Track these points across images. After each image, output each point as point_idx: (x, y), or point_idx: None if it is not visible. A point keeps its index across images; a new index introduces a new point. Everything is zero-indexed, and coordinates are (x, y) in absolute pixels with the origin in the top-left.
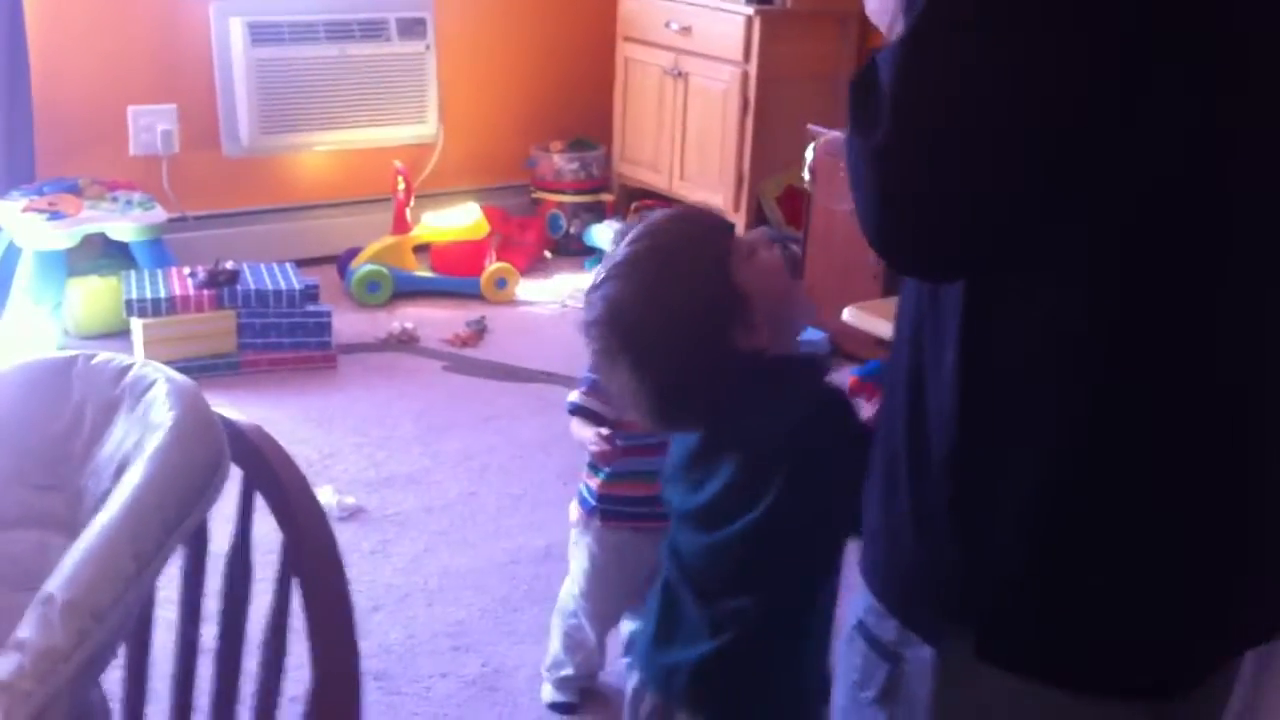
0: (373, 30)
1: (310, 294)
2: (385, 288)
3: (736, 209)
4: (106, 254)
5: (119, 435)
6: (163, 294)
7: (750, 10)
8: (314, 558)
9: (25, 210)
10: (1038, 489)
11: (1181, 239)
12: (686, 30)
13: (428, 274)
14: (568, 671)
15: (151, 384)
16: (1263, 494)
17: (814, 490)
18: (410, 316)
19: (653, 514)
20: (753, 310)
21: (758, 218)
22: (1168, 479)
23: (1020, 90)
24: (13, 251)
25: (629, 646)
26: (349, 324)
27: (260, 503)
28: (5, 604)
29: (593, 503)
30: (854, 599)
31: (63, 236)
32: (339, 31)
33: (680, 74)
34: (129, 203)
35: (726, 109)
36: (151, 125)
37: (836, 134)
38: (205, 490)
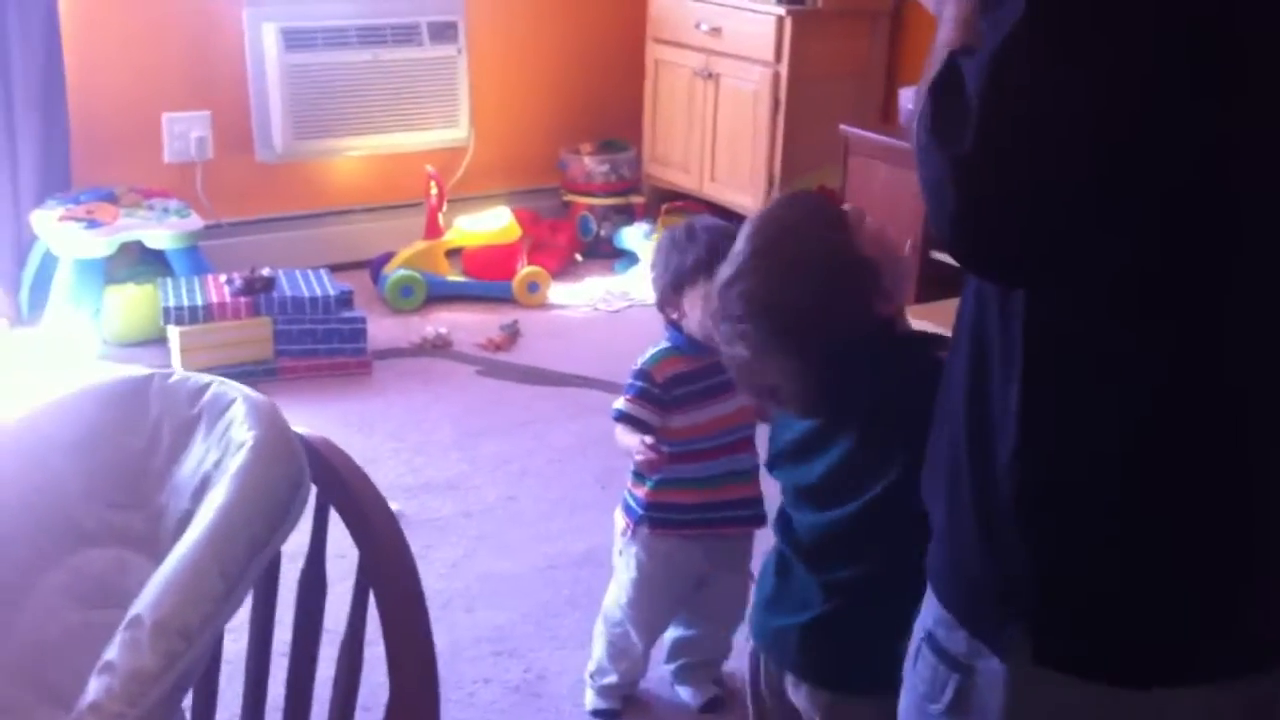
0: (405, 35)
1: (345, 300)
2: (418, 292)
3: None
4: (143, 261)
5: (198, 453)
6: (199, 302)
7: (781, 10)
8: (390, 569)
9: (62, 219)
10: (1097, 491)
11: (1194, 242)
12: (716, 31)
13: (460, 278)
14: (612, 679)
15: (231, 402)
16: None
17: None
18: (443, 321)
19: (701, 520)
20: (882, 276)
21: None
22: (1203, 480)
23: (1108, 106)
24: (50, 260)
25: (673, 653)
26: (383, 329)
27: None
28: (83, 621)
29: (640, 511)
30: (922, 612)
31: (100, 245)
32: (371, 36)
33: (710, 75)
34: (165, 210)
35: (757, 109)
36: (185, 132)
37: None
38: (289, 508)
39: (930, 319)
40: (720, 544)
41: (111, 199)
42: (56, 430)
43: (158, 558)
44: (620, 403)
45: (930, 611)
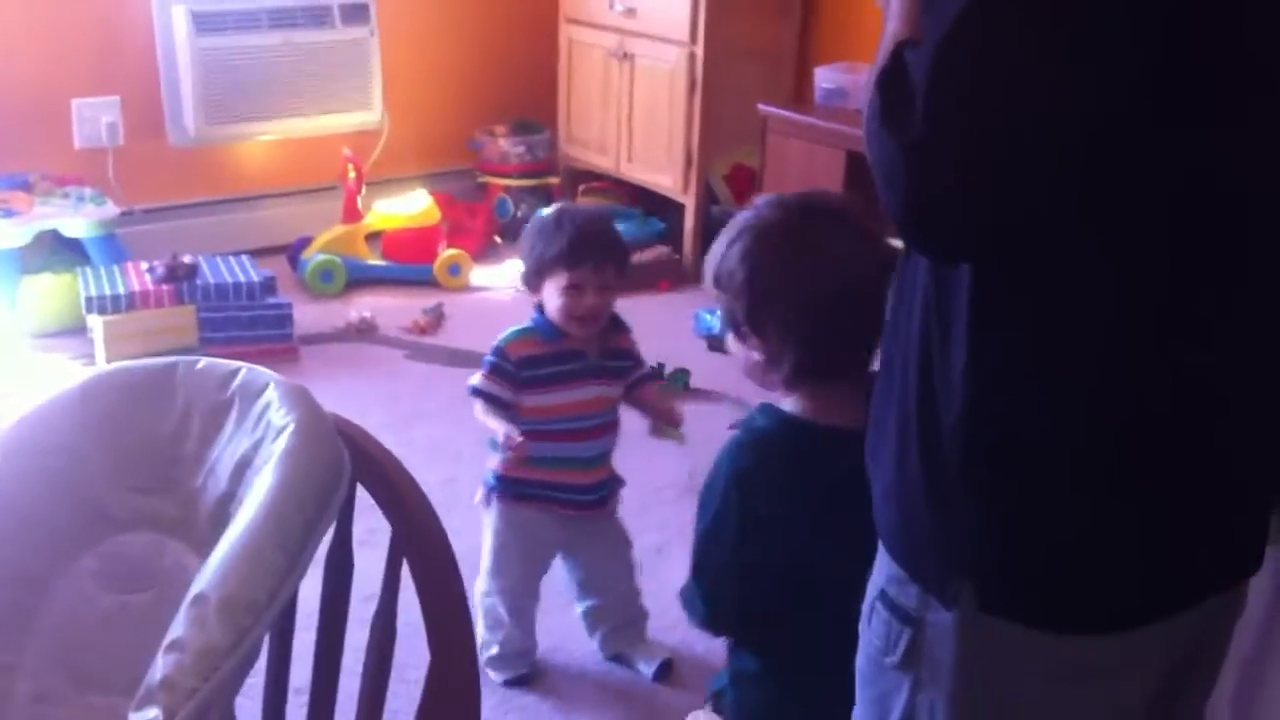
0: (316, 17)
1: (269, 286)
2: (339, 277)
3: (685, 189)
4: (57, 250)
5: (234, 437)
6: (122, 290)
7: None
8: (425, 539)
9: None
10: (1039, 448)
11: (1142, 218)
12: (631, 12)
13: (380, 262)
14: (494, 650)
15: (264, 386)
16: (1235, 455)
17: None
18: (367, 305)
19: (544, 496)
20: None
21: (707, 196)
22: (1156, 444)
23: (1051, 93)
24: None
25: (590, 626)
26: (305, 314)
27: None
28: (118, 605)
29: (492, 482)
30: (874, 571)
31: (16, 235)
32: (283, 19)
33: (626, 55)
34: (80, 198)
35: (673, 89)
36: (96, 117)
37: None
38: (336, 488)
39: None
40: (570, 522)
41: (25, 187)
42: (76, 418)
43: (194, 540)
44: (476, 379)
45: (882, 569)
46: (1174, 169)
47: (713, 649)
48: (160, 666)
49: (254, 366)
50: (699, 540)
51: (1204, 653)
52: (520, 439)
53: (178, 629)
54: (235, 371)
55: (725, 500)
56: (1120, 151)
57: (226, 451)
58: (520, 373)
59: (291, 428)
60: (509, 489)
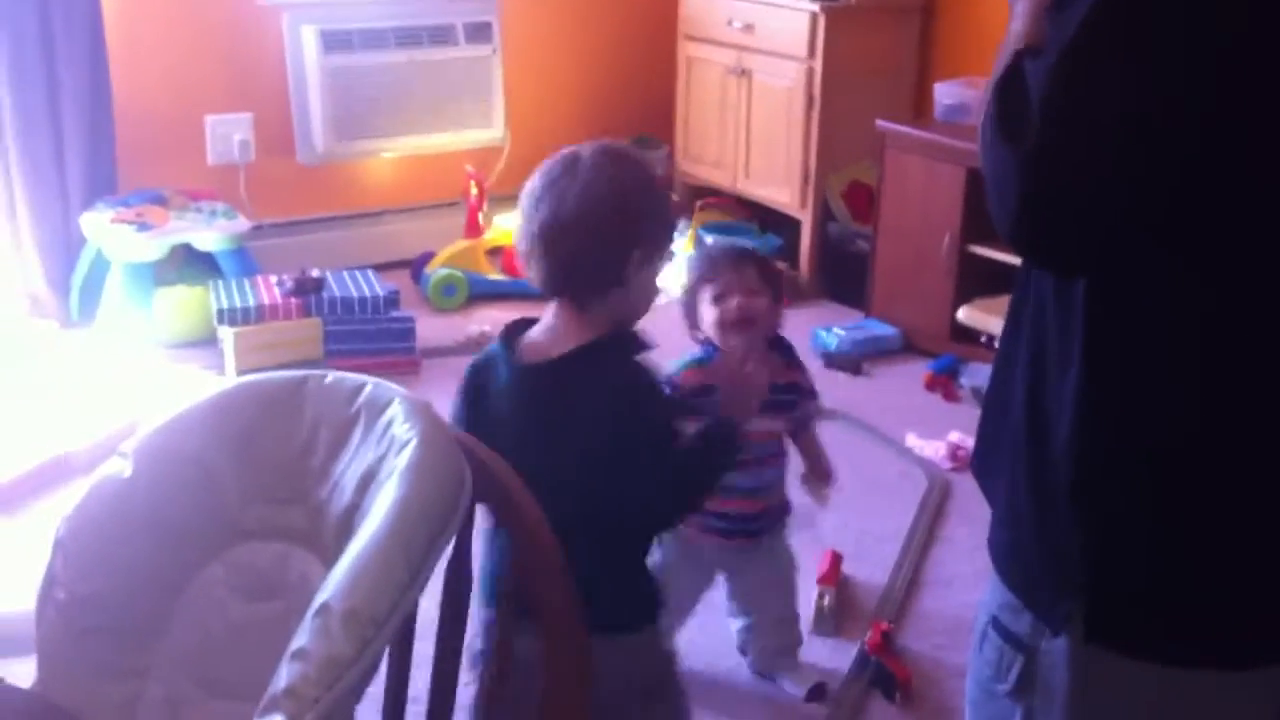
0: (441, 36)
1: (393, 300)
2: (461, 291)
3: (803, 205)
4: (190, 263)
5: (359, 450)
6: (251, 303)
7: (815, 7)
8: (541, 560)
9: (114, 222)
10: (1149, 476)
11: (1258, 235)
12: (749, 28)
13: (501, 277)
14: None
15: (389, 402)
16: None
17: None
18: (487, 319)
19: (711, 526)
20: (656, 252)
21: (824, 213)
22: (1257, 465)
23: (1170, 106)
24: (101, 262)
25: (742, 644)
26: (426, 328)
27: None
28: (247, 614)
29: None
30: (985, 596)
31: (152, 248)
32: (408, 38)
33: (743, 72)
34: (213, 213)
35: (791, 106)
36: (228, 134)
37: None
38: (457, 503)
39: (969, 314)
40: (729, 549)
41: (161, 202)
42: (212, 430)
43: (320, 550)
44: None
45: (994, 594)
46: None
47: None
48: (285, 675)
49: (380, 381)
50: None
51: None
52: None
53: (302, 638)
54: (362, 386)
55: None
56: (1236, 164)
57: (352, 464)
58: (690, 401)
59: (415, 442)
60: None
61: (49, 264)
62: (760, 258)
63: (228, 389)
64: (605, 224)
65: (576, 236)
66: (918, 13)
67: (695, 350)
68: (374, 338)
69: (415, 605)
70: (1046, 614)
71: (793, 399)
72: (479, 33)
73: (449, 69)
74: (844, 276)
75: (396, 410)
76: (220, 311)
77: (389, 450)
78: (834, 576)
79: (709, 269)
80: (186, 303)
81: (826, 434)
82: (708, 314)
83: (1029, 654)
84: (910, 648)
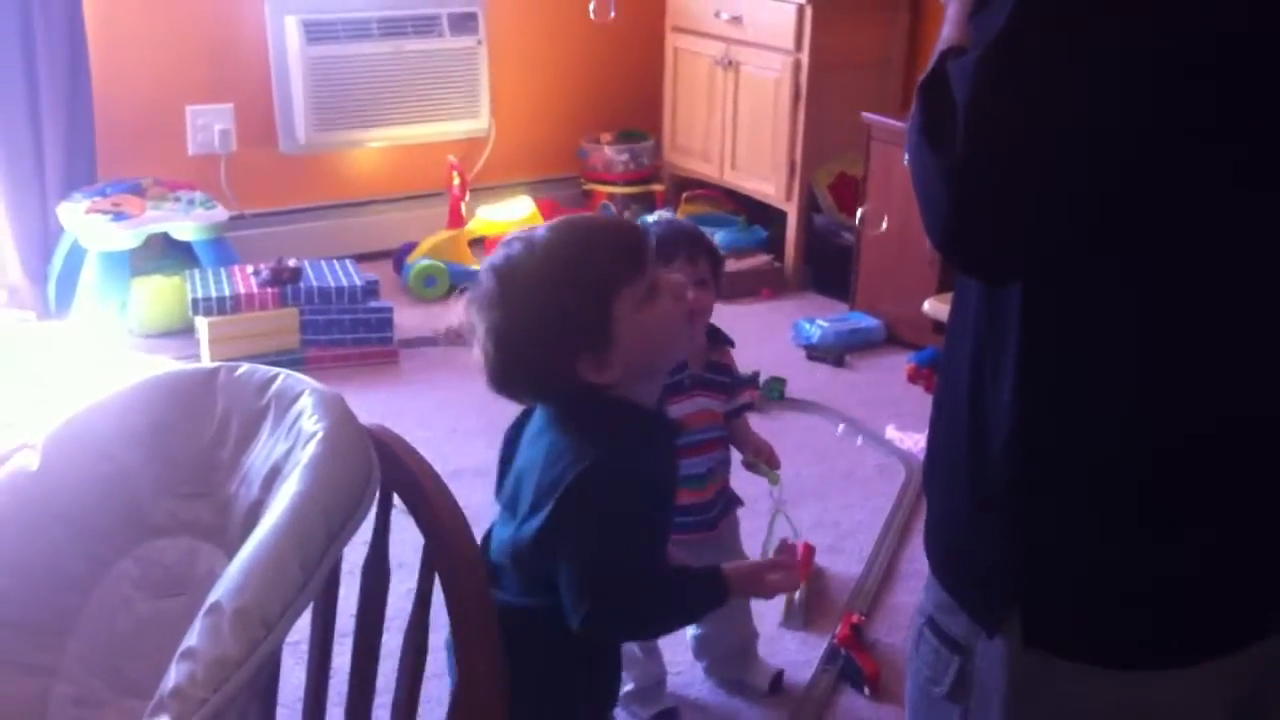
0: (425, 26)
1: (371, 290)
2: (442, 282)
3: (789, 197)
4: (168, 253)
5: (268, 444)
6: (227, 292)
7: None
8: (455, 556)
9: (89, 212)
10: (1084, 479)
11: (1190, 243)
12: (737, 20)
13: None
14: (630, 686)
15: (299, 394)
16: None
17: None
18: None
19: (688, 524)
20: (612, 352)
21: (810, 205)
22: (1207, 474)
23: (1089, 117)
24: (77, 252)
25: (698, 653)
26: (407, 318)
27: None
28: (154, 610)
29: None
30: (922, 598)
31: (127, 237)
32: (392, 28)
33: (731, 63)
34: (190, 202)
35: (778, 98)
36: (209, 125)
37: None
38: (362, 498)
39: (933, 307)
40: (688, 547)
41: (138, 191)
42: (122, 422)
43: (227, 546)
44: None
45: (930, 596)
46: (1219, 192)
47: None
48: (173, 675)
49: (292, 373)
50: None
51: (1270, 692)
52: None
53: (192, 638)
54: (273, 378)
55: None
56: (1164, 174)
57: (260, 458)
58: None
59: (320, 436)
60: None
61: (26, 255)
62: (709, 245)
63: (141, 381)
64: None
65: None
66: (905, 6)
67: None
68: (351, 328)
69: (307, 604)
70: (982, 615)
71: (727, 379)
72: (464, 23)
73: (433, 59)
74: (829, 269)
75: (306, 403)
76: (195, 301)
77: (296, 444)
78: (806, 570)
79: (660, 255)
80: (163, 292)
81: (806, 425)
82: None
83: (965, 655)
84: (883, 640)
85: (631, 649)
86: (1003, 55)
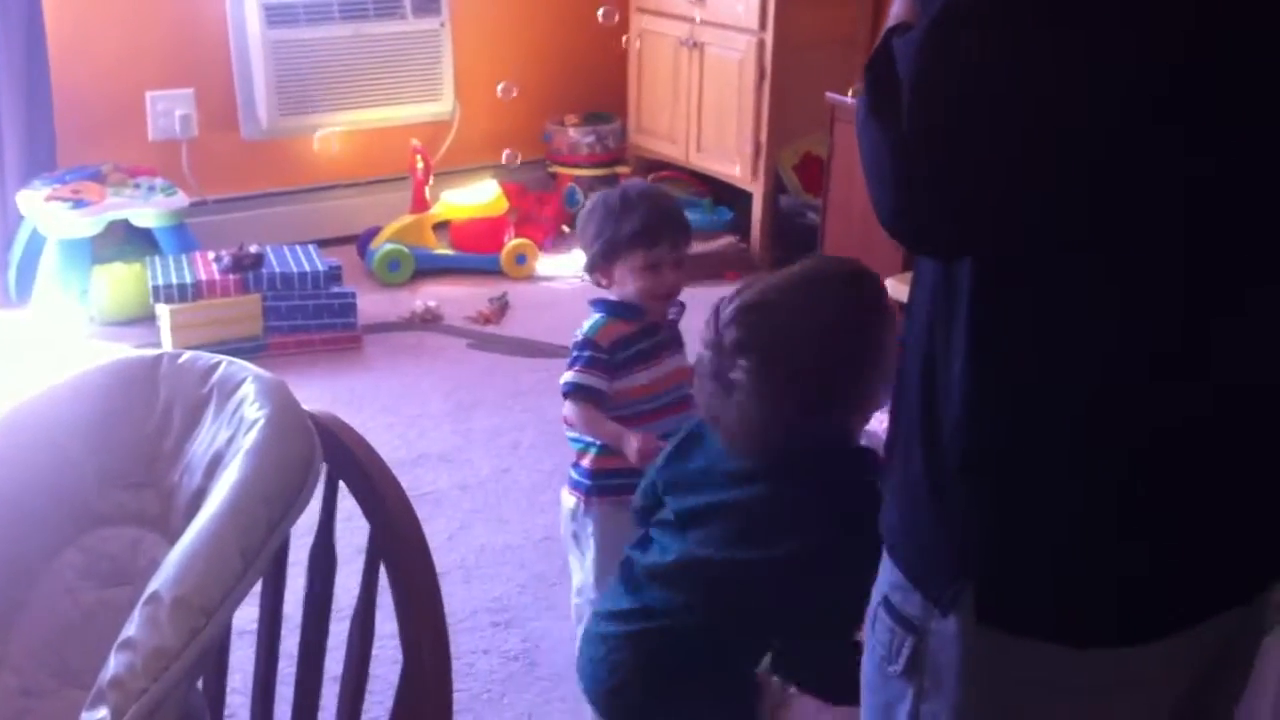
0: (387, 9)
1: (334, 275)
2: (406, 266)
3: (754, 177)
4: (129, 240)
5: (210, 431)
6: (189, 279)
7: None
8: (402, 543)
9: (49, 199)
10: (1035, 458)
11: (1139, 213)
12: (701, 1)
13: (448, 251)
14: None
15: (241, 381)
16: (1247, 470)
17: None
18: (432, 295)
19: None
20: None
21: (775, 186)
22: (1163, 452)
23: (1032, 89)
24: (37, 240)
25: None
26: (372, 304)
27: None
28: (99, 600)
29: (588, 482)
30: (879, 576)
31: (87, 224)
32: (354, 11)
33: (695, 44)
34: (151, 189)
35: (743, 78)
36: (170, 110)
37: None
38: (303, 485)
39: (894, 286)
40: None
41: (98, 178)
42: (66, 411)
43: (171, 535)
44: (570, 375)
45: (885, 575)
46: (1168, 175)
47: None
48: (111, 666)
49: (235, 360)
50: None
51: (1222, 671)
52: (655, 439)
53: (130, 628)
54: (215, 365)
55: None
56: (1112, 155)
57: (202, 446)
58: (615, 356)
59: (261, 421)
60: (610, 486)
61: None
62: (687, 223)
63: (86, 370)
64: None
65: None
66: None
67: (598, 304)
68: (315, 314)
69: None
70: (936, 594)
71: (679, 334)
72: (427, 5)
73: (396, 42)
74: (794, 249)
75: (248, 390)
76: (156, 288)
77: (237, 431)
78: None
79: (646, 237)
80: (124, 280)
81: None
82: (632, 280)
83: (919, 634)
84: None
85: None
86: (945, 29)
